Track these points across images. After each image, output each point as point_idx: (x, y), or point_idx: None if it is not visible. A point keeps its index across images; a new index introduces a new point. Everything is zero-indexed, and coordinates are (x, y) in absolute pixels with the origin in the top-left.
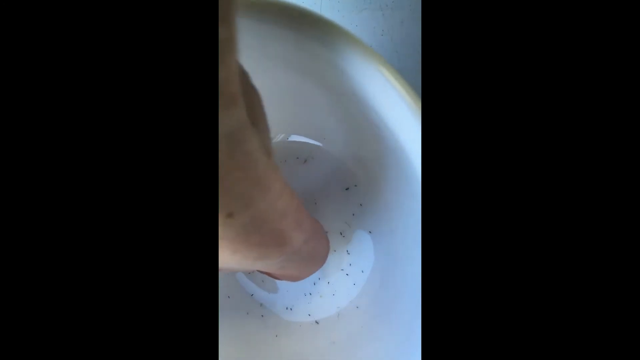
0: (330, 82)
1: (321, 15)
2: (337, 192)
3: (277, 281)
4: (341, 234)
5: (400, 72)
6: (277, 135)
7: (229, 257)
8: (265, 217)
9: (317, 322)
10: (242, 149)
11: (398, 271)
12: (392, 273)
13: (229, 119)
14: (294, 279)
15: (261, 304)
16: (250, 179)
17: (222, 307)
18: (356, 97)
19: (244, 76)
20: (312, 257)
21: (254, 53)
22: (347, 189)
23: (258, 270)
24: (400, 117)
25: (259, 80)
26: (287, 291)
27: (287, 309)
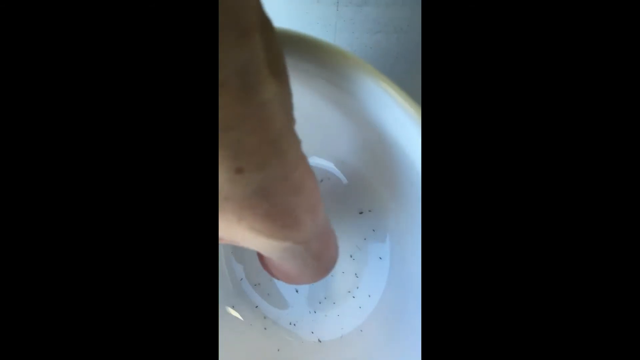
0: (348, 108)
1: (337, 46)
2: (351, 216)
3: (284, 296)
4: (351, 256)
5: (414, 95)
6: None
7: (234, 226)
8: (277, 185)
9: (319, 341)
10: (257, 95)
11: (408, 301)
12: (401, 302)
13: (241, 54)
14: (291, 280)
15: (265, 317)
16: (265, 134)
17: (226, 316)
18: (373, 124)
19: (264, 17)
20: (317, 260)
21: None
22: (361, 212)
23: (258, 254)
24: (416, 145)
25: None
26: (292, 307)
27: (290, 324)
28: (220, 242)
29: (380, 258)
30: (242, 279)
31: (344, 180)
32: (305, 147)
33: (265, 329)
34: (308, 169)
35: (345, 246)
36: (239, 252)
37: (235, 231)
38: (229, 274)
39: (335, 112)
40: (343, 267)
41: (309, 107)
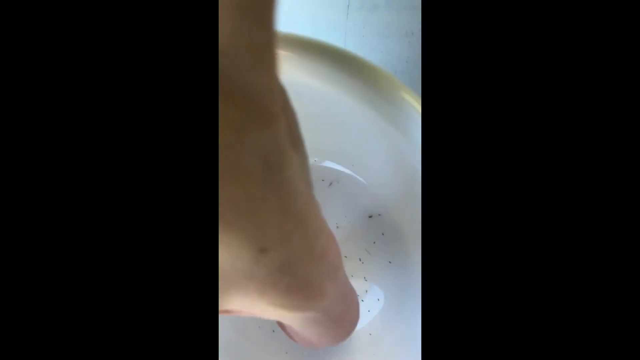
0: (365, 114)
1: (360, 56)
2: (361, 219)
3: None
4: (360, 260)
5: None
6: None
7: (255, 301)
8: (300, 257)
9: None
10: (280, 174)
11: (417, 304)
12: (409, 306)
13: (266, 139)
14: (312, 345)
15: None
16: (288, 210)
17: (234, 319)
18: (390, 130)
19: (283, 92)
20: (338, 323)
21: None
22: (370, 216)
23: (277, 322)
24: None
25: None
26: None
27: None
28: (237, 314)
29: (390, 262)
30: None
31: (355, 183)
32: (317, 150)
33: (273, 331)
34: (329, 234)
35: (354, 250)
36: None
37: (255, 305)
38: None
39: (355, 117)
40: (352, 271)
41: (327, 107)
